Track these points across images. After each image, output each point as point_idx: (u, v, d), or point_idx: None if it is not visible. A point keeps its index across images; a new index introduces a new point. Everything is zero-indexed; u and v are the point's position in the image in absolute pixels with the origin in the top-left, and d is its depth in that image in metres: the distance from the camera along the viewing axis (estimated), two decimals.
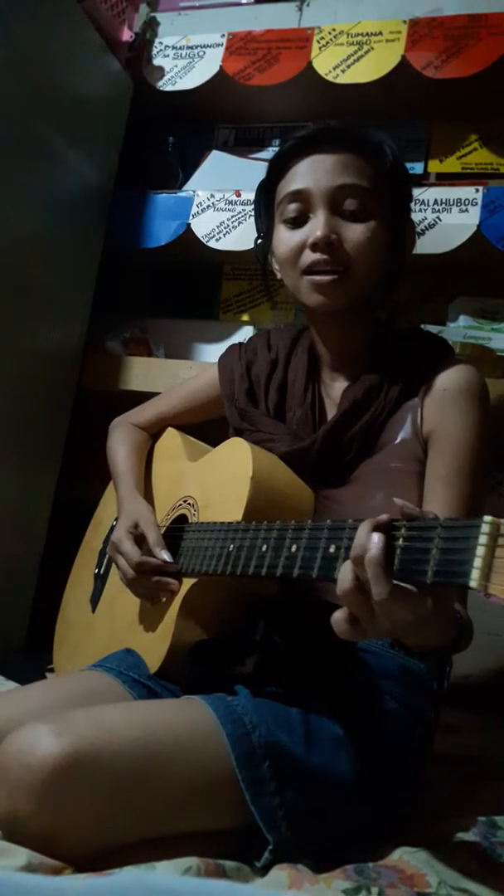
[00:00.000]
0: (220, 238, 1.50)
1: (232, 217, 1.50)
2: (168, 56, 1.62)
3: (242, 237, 1.48)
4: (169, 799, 0.73)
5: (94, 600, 1.18)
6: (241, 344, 1.17)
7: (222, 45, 1.56)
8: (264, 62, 1.52)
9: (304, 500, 0.95)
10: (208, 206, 1.52)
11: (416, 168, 1.55)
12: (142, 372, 1.51)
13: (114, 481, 1.17)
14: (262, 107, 1.65)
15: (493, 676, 1.38)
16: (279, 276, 1.06)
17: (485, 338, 1.40)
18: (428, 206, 1.38)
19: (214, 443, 1.07)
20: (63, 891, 0.53)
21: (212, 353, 1.55)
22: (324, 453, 0.97)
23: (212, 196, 1.53)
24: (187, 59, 1.59)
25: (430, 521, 0.62)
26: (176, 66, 1.60)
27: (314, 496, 0.96)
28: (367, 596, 0.64)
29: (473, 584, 0.55)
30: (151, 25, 1.66)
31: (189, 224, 1.52)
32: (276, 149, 1.17)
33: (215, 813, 0.76)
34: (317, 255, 0.96)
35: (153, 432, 1.24)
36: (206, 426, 1.22)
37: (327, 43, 1.49)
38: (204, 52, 1.58)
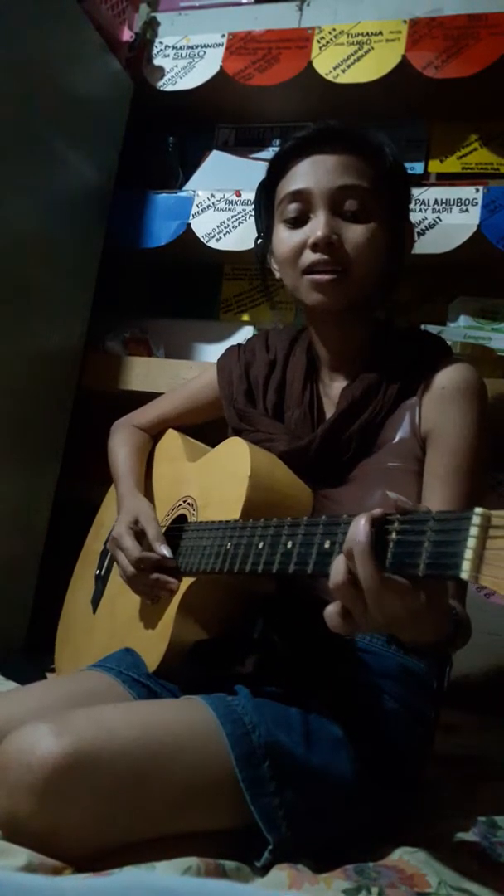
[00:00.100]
0: (220, 238, 1.50)
1: (232, 217, 1.50)
2: (168, 56, 1.62)
3: (242, 237, 1.48)
4: (169, 799, 0.73)
5: (95, 601, 1.18)
6: (239, 345, 1.18)
7: (222, 45, 1.56)
8: (264, 62, 1.52)
9: (303, 499, 0.95)
10: (208, 206, 1.52)
11: (417, 168, 1.55)
12: (142, 372, 1.51)
13: (114, 482, 1.18)
14: (263, 107, 1.65)
15: (493, 676, 1.38)
16: (279, 275, 1.07)
17: (485, 338, 1.40)
18: (428, 206, 1.38)
19: (214, 443, 1.07)
20: (63, 891, 0.53)
21: (212, 353, 1.55)
22: (322, 452, 0.97)
23: (212, 196, 1.53)
24: (187, 59, 1.59)
25: (422, 515, 0.62)
26: (176, 66, 1.60)
27: (313, 495, 0.96)
28: (360, 589, 0.64)
29: (465, 575, 0.55)
30: (151, 25, 1.66)
31: (189, 224, 1.52)
32: (277, 149, 1.17)
33: (215, 813, 0.76)
34: (317, 256, 0.96)
35: (154, 433, 1.24)
36: (206, 427, 1.22)
37: (327, 43, 1.49)
38: (204, 52, 1.58)
